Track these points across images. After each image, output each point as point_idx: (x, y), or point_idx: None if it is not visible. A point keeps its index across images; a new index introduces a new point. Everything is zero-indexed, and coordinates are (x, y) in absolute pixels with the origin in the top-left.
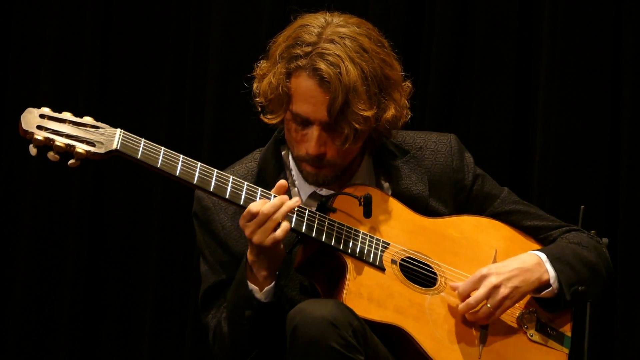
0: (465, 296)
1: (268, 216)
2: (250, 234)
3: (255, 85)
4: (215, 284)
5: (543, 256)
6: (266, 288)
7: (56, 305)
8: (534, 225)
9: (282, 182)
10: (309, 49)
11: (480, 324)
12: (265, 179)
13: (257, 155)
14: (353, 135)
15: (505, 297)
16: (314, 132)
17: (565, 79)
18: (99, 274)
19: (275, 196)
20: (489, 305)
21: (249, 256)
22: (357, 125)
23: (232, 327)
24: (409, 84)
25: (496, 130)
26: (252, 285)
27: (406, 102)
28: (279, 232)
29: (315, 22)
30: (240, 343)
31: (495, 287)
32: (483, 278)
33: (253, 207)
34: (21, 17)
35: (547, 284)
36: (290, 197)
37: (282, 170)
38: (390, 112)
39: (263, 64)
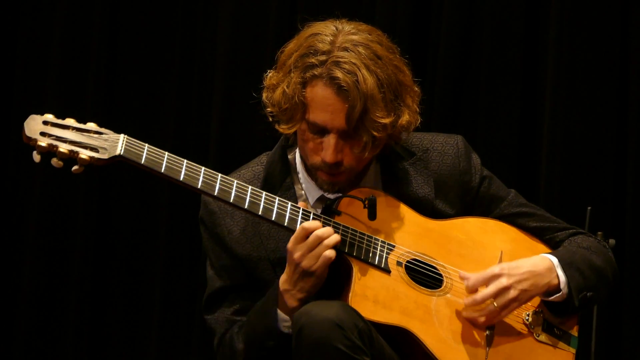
0: (473, 290)
1: (321, 240)
2: (299, 257)
3: (265, 95)
4: (219, 288)
5: (555, 260)
6: None
7: (63, 308)
8: (540, 226)
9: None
10: (324, 57)
11: (483, 322)
12: (271, 183)
13: (264, 159)
14: (371, 142)
15: (514, 300)
16: (330, 140)
17: (572, 81)
18: (106, 277)
19: (310, 213)
20: (495, 304)
21: (284, 284)
22: (375, 133)
23: (249, 350)
24: (418, 89)
25: (503, 132)
26: (282, 315)
27: (417, 107)
28: (329, 254)
29: (326, 31)
30: None
31: (505, 289)
32: (495, 277)
33: (308, 225)
34: (28, 23)
35: (556, 289)
36: (297, 200)
37: (288, 174)
38: (405, 118)
39: (273, 74)
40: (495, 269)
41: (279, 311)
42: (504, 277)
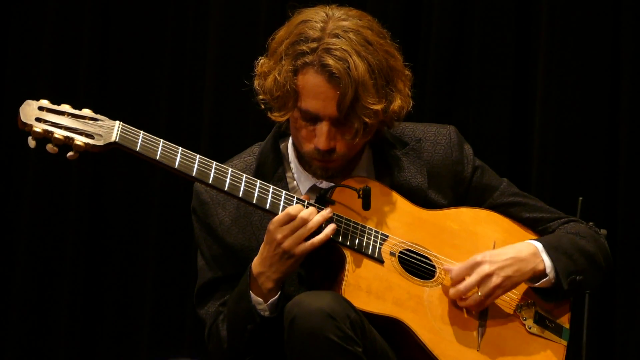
0: (457, 281)
1: (305, 222)
2: (282, 238)
3: (256, 83)
4: (211, 280)
5: (539, 245)
6: (271, 300)
7: (55, 296)
8: (532, 217)
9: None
10: (314, 44)
11: (469, 309)
12: (263, 173)
13: (256, 150)
14: (363, 129)
15: (497, 287)
16: (323, 127)
17: (564, 71)
18: (98, 267)
19: (304, 202)
20: (479, 293)
21: (257, 267)
22: (367, 119)
23: (232, 335)
24: (409, 73)
25: (495, 122)
26: (255, 298)
27: (408, 91)
28: (310, 243)
29: (316, 17)
30: (239, 350)
31: (488, 276)
32: (476, 265)
33: (292, 210)
34: (20, 9)
35: (543, 274)
36: (289, 189)
37: (280, 164)
38: (397, 103)
39: (264, 61)
40: (477, 257)
41: (252, 294)
42: (485, 265)
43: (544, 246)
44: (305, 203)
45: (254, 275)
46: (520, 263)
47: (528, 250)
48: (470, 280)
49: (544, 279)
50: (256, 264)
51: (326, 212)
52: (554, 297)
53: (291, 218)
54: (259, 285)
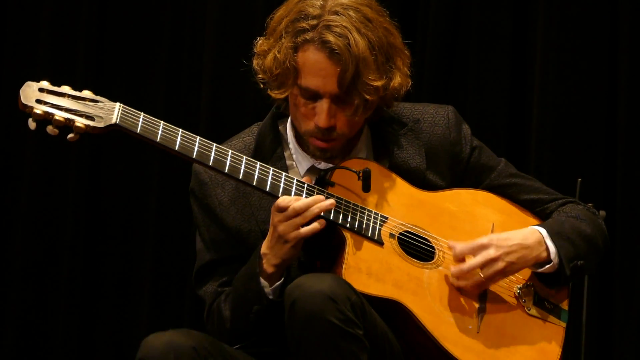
0: (459, 259)
1: (298, 213)
2: (277, 222)
3: (255, 62)
4: (209, 261)
5: (544, 232)
6: (276, 284)
7: (53, 282)
8: (530, 198)
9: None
10: (314, 22)
11: (469, 291)
12: (262, 153)
13: (255, 130)
14: (363, 105)
15: (500, 272)
16: (323, 104)
17: (562, 51)
18: (97, 252)
19: (303, 184)
20: (481, 275)
21: (263, 247)
22: (367, 96)
23: (236, 316)
24: (408, 52)
25: (493, 102)
26: (263, 281)
27: (407, 70)
28: (304, 230)
29: None
30: (241, 331)
31: (493, 260)
32: (482, 247)
33: (282, 201)
34: None
35: (547, 260)
36: (287, 170)
37: (279, 144)
38: (397, 80)
39: (263, 41)
40: (484, 239)
41: (260, 277)
42: (492, 248)
43: (548, 232)
44: (306, 186)
45: (261, 255)
46: (525, 250)
47: (533, 238)
48: (475, 261)
49: (548, 265)
50: (263, 246)
51: (327, 202)
52: (555, 282)
53: (282, 209)
54: (264, 268)
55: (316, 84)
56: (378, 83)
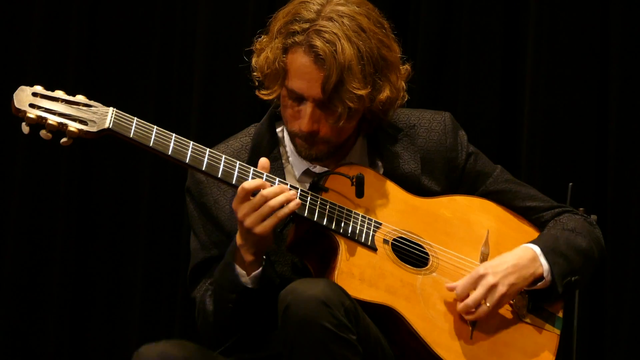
0: (464, 296)
1: (265, 200)
2: (243, 216)
3: (254, 60)
4: (204, 260)
5: (537, 250)
6: (253, 274)
7: (45, 283)
8: (525, 206)
9: (263, 160)
10: (306, 25)
11: (477, 320)
12: (259, 154)
13: (252, 131)
14: (346, 113)
15: (503, 295)
16: (307, 108)
17: (553, 55)
18: (88, 253)
19: (273, 179)
20: (487, 304)
21: (238, 239)
22: (350, 104)
23: (217, 307)
24: (408, 67)
25: (484, 107)
26: (239, 269)
27: (403, 84)
28: (269, 221)
29: (315, 0)
30: (224, 323)
31: (493, 287)
32: (480, 278)
33: (247, 185)
34: None
35: (541, 277)
36: (284, 173)
37: (276, 146)
38: (385, 93)
39: (263, 39)
40: (479, 269)
41: (236, 265)
42: (489, 276)
43: (542, 249)
44: (299, 191)
45: (237, 246)
46: (521, 270)
47: (527, 256)
48: (476, 293)
49: (541, 282)
50: (237, 237)
51: (291, 192)
52: (547, 298)
53: (247, 193)
54: (241, 258)
55: (300, 87)
56: (362, 92)
